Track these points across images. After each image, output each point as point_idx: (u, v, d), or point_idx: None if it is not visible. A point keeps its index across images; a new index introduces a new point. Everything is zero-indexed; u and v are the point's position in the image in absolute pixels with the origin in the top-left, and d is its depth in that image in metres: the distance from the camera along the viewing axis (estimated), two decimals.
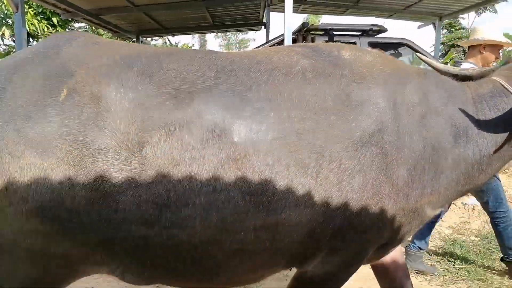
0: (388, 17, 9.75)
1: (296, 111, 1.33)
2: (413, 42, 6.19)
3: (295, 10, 9.92)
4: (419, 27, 9.88)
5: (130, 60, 1.35)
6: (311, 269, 1.51)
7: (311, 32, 6.32)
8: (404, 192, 1.42)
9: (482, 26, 3.39)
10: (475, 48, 3.19)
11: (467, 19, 20.25)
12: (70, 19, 9.55)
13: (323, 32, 6.30)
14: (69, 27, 12.36)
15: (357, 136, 1.36)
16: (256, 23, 9.85)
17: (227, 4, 7.79)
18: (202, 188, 1.23)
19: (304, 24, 6.28)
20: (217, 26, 10.05)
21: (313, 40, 6.14)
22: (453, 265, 3.23)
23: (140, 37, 9.96)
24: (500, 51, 3.24)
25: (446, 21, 18.24)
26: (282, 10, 10.74)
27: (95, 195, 1.19)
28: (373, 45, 6.12)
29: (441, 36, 19.12)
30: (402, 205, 1.43)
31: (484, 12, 18.87)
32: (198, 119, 1.25)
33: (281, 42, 6.53)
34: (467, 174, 1.56)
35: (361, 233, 1.42)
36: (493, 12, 18.98)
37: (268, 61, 1.44)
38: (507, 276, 3.00)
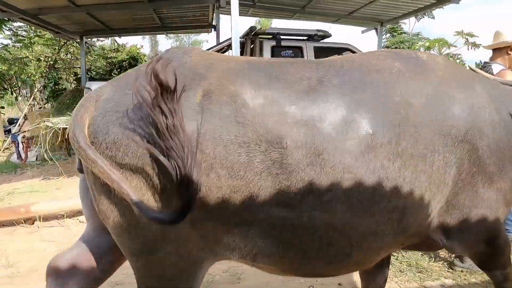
0: (334, 22, 10.12)
1: (408, 107, 1.48)
2: (354, 47, 6.48)
3: (245, 13, 10.02)
4: (363, 32, 10.36)
5: (254, 64, 1.50)
6: (451, 240, 1.67)
7: (259, 36, 6.40)
8: (496, 178, 1.61)
9: (505, 29, 3.52)
10: (502, 50, 3.36)
11: (408, 24, 21.47)
12: (6, 18, 8.94)
13: (271, 36, 6.41)
14: (6, 26, 11.54)
15: (454, 133, 1.52)
16: (206, 25, 9.80)
17: (175, 6, 7.67)
18: (344, 175, 1.34)
19: (251, 28, 6.36)
20: (165, 27, 9.86)
21: (261, 44, 6.23)
22: (396, 259, 3.40)
23: (84, 38, 9.53)
24: None
25: (388, 26, 19.29)
26: (229, 12, 10.84)
27: (240, 184, 1.30)
28: (318, 49, 6.34)
29: (384, 40, 20.18)
30: (498, 186, 1.63)
31: (423, 17, 20.14)
32: (333, 116, 1.38)
33: (230, 46, 6.58)
34: None
35: (462, 212, 1.61)
36: (431, 18, 20.30)
37: (368, 64, 1.59)
38: (446, 268, 3.21)
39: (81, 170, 1.46)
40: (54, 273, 1.61)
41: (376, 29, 9.77)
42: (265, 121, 1.32)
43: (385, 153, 1.40)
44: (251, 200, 1.32)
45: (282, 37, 6.36)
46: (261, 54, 6.17)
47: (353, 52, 6.47)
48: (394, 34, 19.71)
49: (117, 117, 1.29)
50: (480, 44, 10.68)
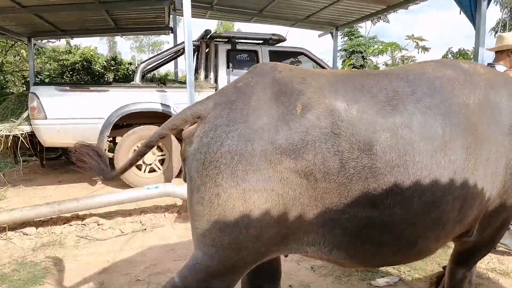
0: (292, 25, 10.26)
1: (467, 108, 1.66)
2: (309, 51, 6.60)
3: (202, 16, 9.94)
4: (319, 35, 10.58)
5: (340, 79, 1.65)
6: (474, 236, 1.87)
7: (215, 40, 6.37)
8: None
9: (507, 33, 3.83)
10: (503, 52, 3.67)
11: (364, 28, 22.20)
12: None
13: (227, 39, 6.40)
14: None
15: (503, 128, 1.72)
16: (163, 27, 9.62)
17: (128, 7, 7.47)
18: (421, 173, 1.50)
19: (206, 31, 6.31)
20: (121, 29, 9.58)
21: (216, 48, 6.20)
22: None
23: (32, 40, 9.06)
24: None
25: (346, 29, 19.82)
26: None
27: (332, 186, 1.45)
28: (273, 53, 6.40)
29: (342, 43, 20.73)
30: None
31: (379, 21, 20.91)
32: (411, 121, 1.53)
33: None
34: None
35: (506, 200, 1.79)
36: (386, 22, 21.15)
37: (427, 73, 1.75)
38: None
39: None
40: None
41: (331, 33, 10.00)
42: (358, 131, 1.48)
43: (452, 150, 1.56)
44: (340, 201, 1.48)
45: (237, 40, 6.35)
46: (216, 58, 6.13)
47: (307, 56, 6.59)
48: (352, 37, 20.31)
49: (229, 130, 1.44)
50: (430, 48, 11.24)
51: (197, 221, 1.52)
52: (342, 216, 1.49)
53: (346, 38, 20.96)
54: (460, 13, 5.53)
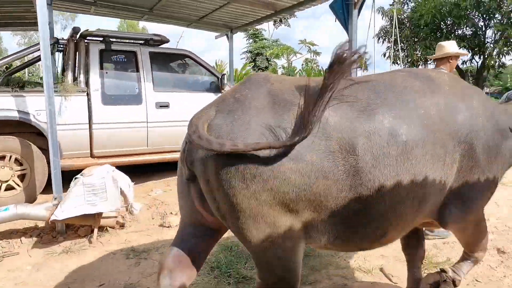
0: (187, 26, 9.94)
1: (429, 119, 1.86)
2: (194, 54, 6.34)
3: (87, 11, 9.10)
4: (216, 37, 10.42)
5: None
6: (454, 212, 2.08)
7: (86, 38, 5.75)
8: (487, 169, 2.07)
9: (445, 43, 4.44)
10: (443, 59, 4.30)
11: (268, 31, 22.79)
12: None
13: (101, 39, 5.82)
14: None
15: (459, 136, 1.94)
16: (34, 22, 8.52)
17: None
18: (396, 170, 1.74)
19: (75, 29, 5.66)
20: None
21: (87, 47, 5.58)
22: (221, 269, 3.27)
23: None
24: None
25: (251, 31, 20.13)
26: (68, 9, 9.69)
27: (330, 183, 1.64)
28: (154, 55, 6.00)
29: (248, 45, 21.04)
30: (485, 176, 2.06)
31: (280, 25, 21.65)
32: (382, 127, 1.74)
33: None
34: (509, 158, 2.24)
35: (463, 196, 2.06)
36: (287, 26, 21.98)
37: (396, 83, 1.96)
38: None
39: (192, 178, 1.78)
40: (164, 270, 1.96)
41: (227, 35, 9.90)
42: (343, 135, 1.67)
43: (414, 155, 1.78)
44: (338, 195, 1.67)
45: (113, 40, 5.81)
46: (87, 58, 5.52)
47: (192, 59, 6.33)
48: (256, 40, 20.69)
49: (234, 138, 1.61)
50: (321, 52, 11.85)
51: (226, 221, 1.75)
52: (339, 210, 1.71)
53: (251, 40, 21.27)
54: (335, 21, 5.75)
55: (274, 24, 21.43)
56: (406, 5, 14.78)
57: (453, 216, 2.06)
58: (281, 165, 1.58)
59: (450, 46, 4.34)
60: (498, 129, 2.12)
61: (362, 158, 1.67)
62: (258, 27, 20.98)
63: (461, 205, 2.06)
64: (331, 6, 5.24)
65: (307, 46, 10.90)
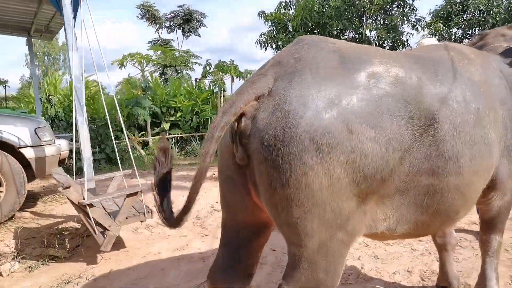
0: None
1: (481, 85, 1.83)
2: None
3: None
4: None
5: (394, 52, 1.77)
6: (495, 204, 2.11)
7: None
8: None
9: (426, 39, 4.31)
10: None
11: (176, 41, 22.09)
12: None
13: None
14: None
15: (500, 98, 1.93)
16: None
17: None
18: (468, 143, 1.62)
19: None
20: None
21: None
22: None
23: None
24: None
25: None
26: None
27: (405, 155, 1.47)
28: None
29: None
30: None
31: (190, 35, 21.01)
32: (457, 94, 1.68)
33: None
34: None
35: None
36: (197, 36, 21.39)
37: (438, 55, 1.90)
38: None
39: (246, 161, 1.47)
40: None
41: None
42: (420, 102, 1.52)
43: (486, 122, 1.72)
44: (410, 170, 1.49)
45: None
46: None
47: None
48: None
49: (306, 101, 1.38)
50: None
51: (284, 208, 1.41)
52: (408, 187, 1.52)
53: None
54: None
55: (183, 34, 20.82)
56: (291, 9, 14.22)
57: (509, 171, 2.00)
58: (360, 133, 1.37)
59: (430, 42, 4.21)
60: None
61: (441, 126, 1.54)
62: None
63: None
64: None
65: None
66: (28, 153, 4.67)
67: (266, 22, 14.09)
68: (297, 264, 1.48)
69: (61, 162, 5.47)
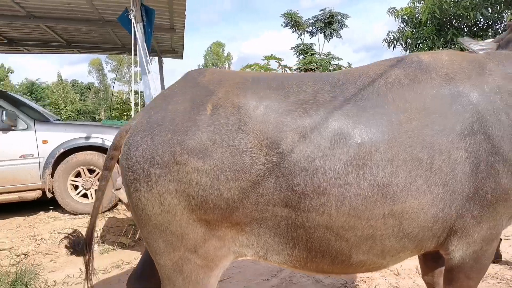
0: None
1: (403, 114, 1.54)
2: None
3: None
4: None
5: (257, 79, 1.67)
6: (456, 254, 1.64)
7: None
8: None
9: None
10: None
11: (318, 45, 22.67)
12: None
13: None
14: None
15: (459, 129, 1.53)
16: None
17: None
18: (335, 181, 1.45)
19: None
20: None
21: None
22: None
23: None
24: None
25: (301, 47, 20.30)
26: None
27: (246, 184, 1.44)
28: None
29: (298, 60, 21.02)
30: None
31: (332, 38, 21.44)
32: (326, 124, 1.49)
33: None
34: None
35: (488, 207, 1.55)
36: (339, 37, 21.58)
37: (366, 75, 1.67)
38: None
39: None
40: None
41: None
42: (264, 128, 1.46)
43: (375, 161, 1.46)
44: (258, 199, 1.46)
45: None
46: None
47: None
48: (305, 55, 20.88)
49: (144, 135, 1.50)
50: (291, 67, 12.15)
51: (138, 228, 1.62)
52: (263, 216, 1.50)
53: (302, 56, 21.62)
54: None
55: (325, 37, 21.53)
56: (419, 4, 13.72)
57: (480, 217, 1.60)
58: (187, 163, 1.43)
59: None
60: None
61: (289, 157, 1.45)
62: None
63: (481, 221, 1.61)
64: (118, 20, 5.11)
65: (277, 62, 11.33)
66: None
67: (397, 19, 13.81)
68: (162, 279, 1.63)
69: None
